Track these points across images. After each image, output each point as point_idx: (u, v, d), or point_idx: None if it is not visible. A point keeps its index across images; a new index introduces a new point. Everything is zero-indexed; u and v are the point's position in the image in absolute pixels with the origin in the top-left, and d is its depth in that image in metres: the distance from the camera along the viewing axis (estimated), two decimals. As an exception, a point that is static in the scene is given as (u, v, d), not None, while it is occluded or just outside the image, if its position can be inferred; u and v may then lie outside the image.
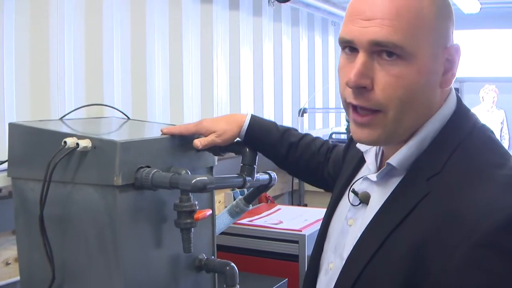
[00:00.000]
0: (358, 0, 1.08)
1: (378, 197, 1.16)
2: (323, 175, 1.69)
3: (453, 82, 1.12)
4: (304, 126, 4.35)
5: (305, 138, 1.70)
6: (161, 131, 1.65)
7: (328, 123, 5.22)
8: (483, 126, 1.15)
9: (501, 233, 0.95)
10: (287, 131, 1.68)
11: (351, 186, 1.25)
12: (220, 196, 3.18)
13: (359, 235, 1.14)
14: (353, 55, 1.08)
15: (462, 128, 1.11)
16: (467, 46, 7.49)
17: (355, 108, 1.10)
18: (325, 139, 1.74)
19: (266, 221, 2.75)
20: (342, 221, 1.25)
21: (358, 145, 1.27)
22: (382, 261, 1.07)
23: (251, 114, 1.65)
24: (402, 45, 1.03)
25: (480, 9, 4.82)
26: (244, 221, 2.68)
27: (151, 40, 2.87)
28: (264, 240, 2.58)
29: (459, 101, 1.15)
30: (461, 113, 1.14)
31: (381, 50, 1.04)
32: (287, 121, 4.43)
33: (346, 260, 1.15)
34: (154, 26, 2.89)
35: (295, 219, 2.75)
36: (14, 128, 1.61)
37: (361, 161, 1.32)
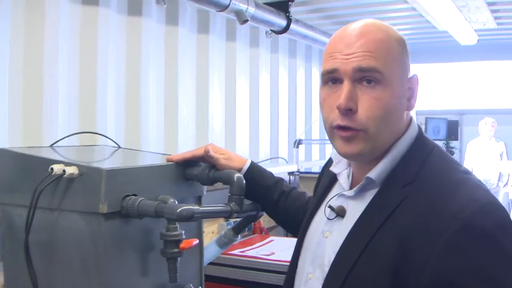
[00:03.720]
0: (335, 41, 1.27)
1: (354, 209, 1.29)
2: None
3: (414, 106, 1.31)
4: (299, 157, 4.34)
5: (295, 190, 1.82)
6: (171, 159, 1.69)
7: (324, 154, 5.21)
8: (439, 146, 1.33)
9: (479, 217, 1.10)
10: (281, 180, 1.79)
11: (327, 203, 1.37)
12: (213, 227, 3.15)
13: (339, 243, 1.26)
14: (335, 86, 1.25)
15: (426, 147, 1.29)
16: (465, 78, 7.52)
17: (340, 128, 1.24)
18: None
19: (258, 252, 2.73)
20: (318, 234, 1.37)
21: (332, 168, 1.42)
22: (369, 259, 1.19)
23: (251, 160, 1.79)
24: (382, 70, 1.21)
25: (478, 40, 4.85)
26: (236, 251, 2.66)
27: (146, 68, 2.89)
28: (255, 271, 2.56)
29: (419, 127, 1.34)
30: (423, 136, 1.32)
31: (362, 77, 1.22)
32: (283, 152, 4.42)
33: (331, 265, 1.26)
34: (149, 54, 2.91)
35: (287, 250, 2.72)
36: (3, 154, 1.61)
37: (331, 183, 1.47)
